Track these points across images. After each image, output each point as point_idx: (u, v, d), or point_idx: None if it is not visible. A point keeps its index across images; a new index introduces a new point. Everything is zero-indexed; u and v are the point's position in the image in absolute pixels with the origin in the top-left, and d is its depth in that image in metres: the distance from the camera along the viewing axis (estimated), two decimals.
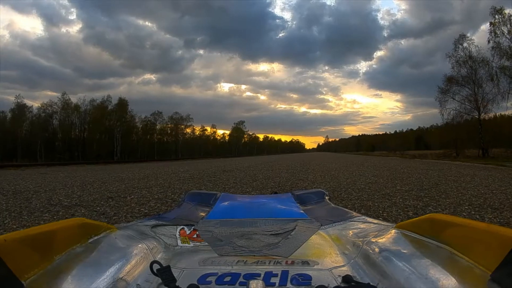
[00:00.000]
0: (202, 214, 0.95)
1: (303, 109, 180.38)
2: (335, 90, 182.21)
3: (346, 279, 0.45)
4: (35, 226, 0.45)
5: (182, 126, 47.84)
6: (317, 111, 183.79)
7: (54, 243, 0.45)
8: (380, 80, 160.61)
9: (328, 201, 1.14)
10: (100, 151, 32.90)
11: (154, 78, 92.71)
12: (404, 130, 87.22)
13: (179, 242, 0.71)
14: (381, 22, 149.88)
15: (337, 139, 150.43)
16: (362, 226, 0.73)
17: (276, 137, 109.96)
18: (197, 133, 54.64)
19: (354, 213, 0.88)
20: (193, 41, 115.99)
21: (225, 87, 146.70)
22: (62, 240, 0.46)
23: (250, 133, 72.77)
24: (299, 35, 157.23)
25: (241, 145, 65.62)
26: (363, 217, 0.82)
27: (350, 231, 0.70)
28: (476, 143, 17.84)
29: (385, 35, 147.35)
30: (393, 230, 0.59)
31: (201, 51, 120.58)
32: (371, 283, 0.44)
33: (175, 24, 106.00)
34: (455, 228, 0.46)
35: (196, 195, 1.22)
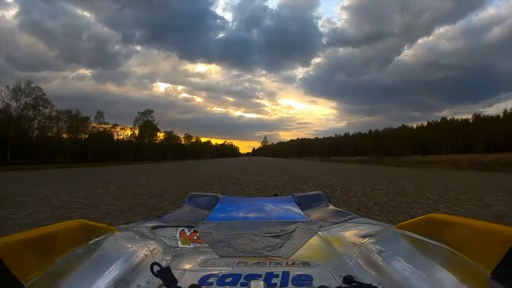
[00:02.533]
0: (203, 215, 0.96)
1: (238, 113, 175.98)
2: (271, 95, 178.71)
3: (347, 279, 0.45)
4: (36, 228, 0.45)
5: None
6: (253, 116, 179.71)
7: (55, 245, 0.45)
8: (316, 87, 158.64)
9: (328, 203, 1.15)
10: None
11: (89, 74, 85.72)
12: (353, 134, 78.09)
13: (179, 243, 0.71)
14: (321, 29, 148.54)
15: (275, 143, 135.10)
16: (362, 227, 0.73)
17: (204, 139, 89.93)
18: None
19: (354, 215, 0.89)
20: (131, 36, 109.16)
21: (161, 87, 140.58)
22: (63, 242, 0.46)
23: (169, 131, 57.26)
24: (239, 37, 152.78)
25: (152, 146, 49.36)
26: (363, 218, 0.83)
27: (350, 232, 0.71)
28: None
29: (324, 42, 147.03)
30: (393, 231, 0.60)
31: (139, 47, 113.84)
32: (372, 284, 0.44)
33: (114, 16, 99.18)
34: (454, 228, 0.46)
35: (196, 197, 1.23)
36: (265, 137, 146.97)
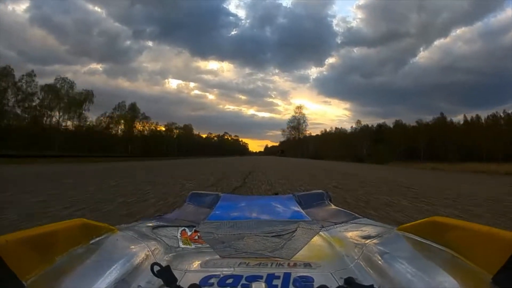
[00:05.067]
0: (203, 215, 0.96)
1: (251, 111, 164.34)
2: (284, 94, 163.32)
3: (348, 281, 0.45)
4: (36, 227, 0.45)
5: None
6: (265, 114, 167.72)
7: (55, 244, 0.44)
8: (330, 87, 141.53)
9: (330, 202, 1.15)
10: None
11: (100, 69, 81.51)
12: None
13: (180, 243, 0.71)
14: (336, 28, 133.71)
15: (301, 136, 68.80)
16: (364, 228, 0.73)
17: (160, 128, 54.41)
18: None
19: (356, 215, 0.89)
20: (143, 32, 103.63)
21: (173, 83, 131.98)
22: (63, 241, 0.46)
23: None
24: (252, 35, 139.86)
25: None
26: (365, 219, 0.83)
27: (352, 233, 0.70)
28: None
29: (339, 42, 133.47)
30: (395, 232, 0.59)
31: (150, 43, 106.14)
32: (373, 285, 0.43)
33: (125, 11, 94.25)
34: (457, 231, 0.46)
35: (197, 196, 1.24)
36: (296, 119, 70.08)
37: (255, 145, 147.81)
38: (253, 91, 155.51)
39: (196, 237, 0.74)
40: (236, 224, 0.81)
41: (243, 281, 0.47)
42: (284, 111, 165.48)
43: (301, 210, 1.00)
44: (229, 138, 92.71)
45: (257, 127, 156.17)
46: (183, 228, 0.78)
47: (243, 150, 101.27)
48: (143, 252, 0.56)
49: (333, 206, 1.09)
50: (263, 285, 0.44)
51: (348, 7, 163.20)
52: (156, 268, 0.46)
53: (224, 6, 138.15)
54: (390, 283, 0.44)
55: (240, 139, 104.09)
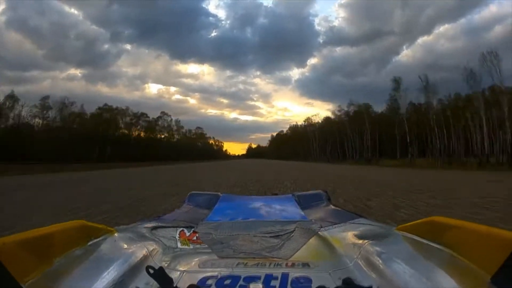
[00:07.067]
0: (203, 215, 0.95)
1: (233, 115, 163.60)
2: (266, 97, 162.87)
3: (347, 281, 0.45)
4: (34, 229, 0.45)
5: None
6: (248, 118, 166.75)
7: (53, 246, 0.45)
8: (312, 88, 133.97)
9: (328, 202, 1.15)
10: None
11: (79, 74, 77.38)
12: None
13: (178, 244, 0.71)
14: (318, 28, 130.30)
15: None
16: (362, 228, 0.73)
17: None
18: None
19: (355, 215, 0.88)
20: (120, 34, 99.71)
21: (153, 88, 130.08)
22: (62, 243, 0.46)
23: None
24: (232, 36, 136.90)
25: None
26: (364, 219, 0.83)
27: (350, 233, 0.70)
28: None
29: (321, 41, 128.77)
30: (394, 232, 0.59)
31: (128, 46, 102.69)
32: (372, 286, 0.43)
33: (102, 13, 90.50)
34: (455, 231, 0.46)
35: (196, 196, 1.23)
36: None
37: (238, 148, 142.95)
38: (235, 94, 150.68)
39: (195, 238, 0.74)
40: (235, 225, 0.81)
41: (241, 282, 0.47)
42: (267, 113, 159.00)
43: (300, 210, 1.00)
44: (183, 132, 52.97)
45: (240, 131, 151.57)
46: (181, 229, 0.78)
47: (213, 153, 67.73)
48: (141, 253, 0.56)
49: (332, 206, 1.09)
50: (261, 286, 0.44)
51: (330, 6, 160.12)
52: (152, 269, 0.45)
53: (204, 6, 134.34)
54: (389, 283, 0.44)
55: (209, 137, 68.93)
